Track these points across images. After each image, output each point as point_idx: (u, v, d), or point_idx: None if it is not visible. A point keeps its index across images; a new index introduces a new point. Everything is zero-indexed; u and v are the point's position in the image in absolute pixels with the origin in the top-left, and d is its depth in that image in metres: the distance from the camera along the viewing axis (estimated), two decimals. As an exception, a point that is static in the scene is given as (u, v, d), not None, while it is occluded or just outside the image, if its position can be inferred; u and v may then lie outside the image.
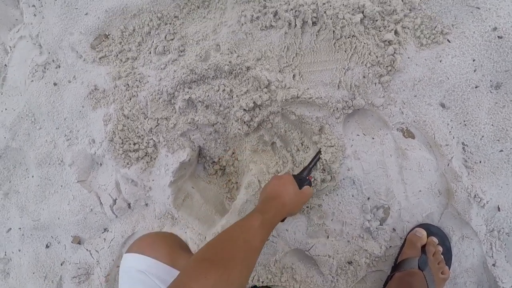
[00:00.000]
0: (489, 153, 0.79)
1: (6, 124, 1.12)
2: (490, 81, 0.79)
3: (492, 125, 0.79)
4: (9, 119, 1.11)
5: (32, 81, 1.09)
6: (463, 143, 0.81)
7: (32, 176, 1.13)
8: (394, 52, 0.80)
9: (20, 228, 1.12)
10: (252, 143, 0.97)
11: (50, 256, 1.09)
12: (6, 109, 1.14)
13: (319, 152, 0.87)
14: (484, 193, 0.79)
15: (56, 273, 1.07)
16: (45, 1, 1.05)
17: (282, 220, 0.80)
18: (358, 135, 0.87)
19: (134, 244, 0.66)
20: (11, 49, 1.15)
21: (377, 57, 0.81)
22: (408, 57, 0.81)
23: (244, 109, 0.90)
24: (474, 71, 0.78)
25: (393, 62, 0.80)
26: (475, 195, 0.79)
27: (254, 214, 0.65)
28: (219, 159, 1.05)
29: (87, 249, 1.05)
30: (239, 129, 0.93)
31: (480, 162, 0.80)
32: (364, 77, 0.82)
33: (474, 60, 0.78)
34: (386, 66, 0.81)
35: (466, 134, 0.81)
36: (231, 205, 0.96)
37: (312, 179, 0.87)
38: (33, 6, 1.08)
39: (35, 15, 1.08)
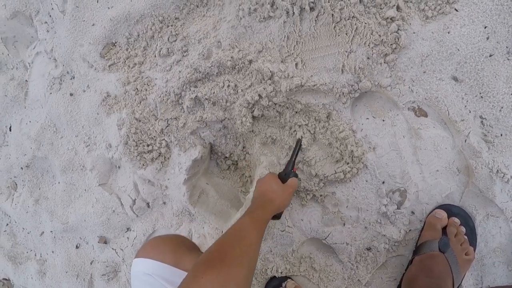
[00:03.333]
0: (510, 124, 0.74)
1: (31, 135, 1.20)
2: (506, 47, 0.73)
3: (511, 94, 0.74)
4: (33, 131, 1.19)
5: (51, 93, 1.16)
6: (481, 117, 0.77)
7: (59, 182, 1.20)
8: (398, 29, 0.77)
9: (51, 231, 1.20)
10: (261, 136, 0.97)
11: (81, 256, 1.16)
12: (30, 121, 1.22)
13: (299, 141, 0.87)
14: (507, 168, 0.74)
15: (87, 272, 1.14)
16: (56, 16, 1.10)
17: (278, 217, 0.82)
18: (367, 118, 0.85)
19: (141, 249, 0.72)
20: (30, 65, 1.23)
21: (380, 36, 0.78)
22: (414, 32, 0.77)
23: (250, 103, 0.90)
24: (487, 38, 0.74)
25: (398, 39, 0.77)
26: (497, 171, 0.74)
27: (243, 216, 0.69)
28: (231, 154, 1.06)
29: (112, 248, 1.11)
30: (246, 123, 0.94)
31: (501, 135, 0.76)
32: (368, 58, 0.80)
33: (485, 27, 0.73)
34: (391, 44, 0.78)
35: (483, 106, 0.76)
36: (245, 199, 0.97)
37: (297, 170, 0.88)
38: (46, 22, 1.15)
39: (48, 31, 1.14)
